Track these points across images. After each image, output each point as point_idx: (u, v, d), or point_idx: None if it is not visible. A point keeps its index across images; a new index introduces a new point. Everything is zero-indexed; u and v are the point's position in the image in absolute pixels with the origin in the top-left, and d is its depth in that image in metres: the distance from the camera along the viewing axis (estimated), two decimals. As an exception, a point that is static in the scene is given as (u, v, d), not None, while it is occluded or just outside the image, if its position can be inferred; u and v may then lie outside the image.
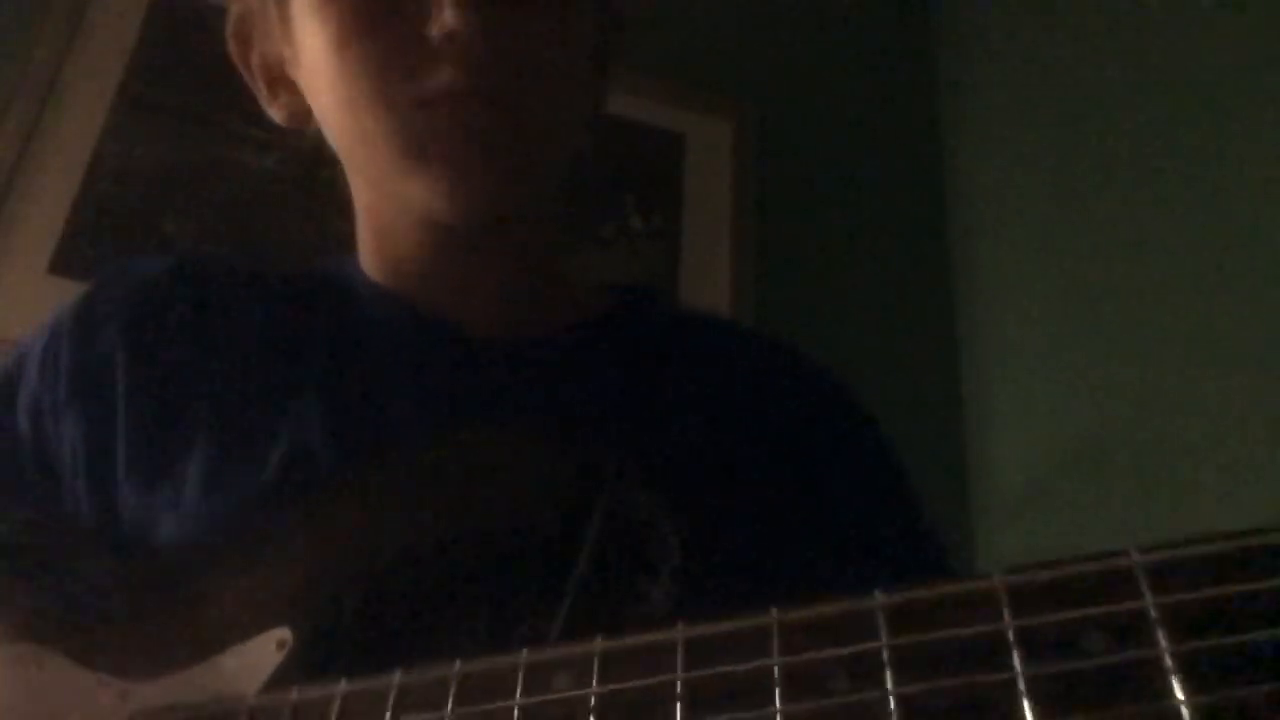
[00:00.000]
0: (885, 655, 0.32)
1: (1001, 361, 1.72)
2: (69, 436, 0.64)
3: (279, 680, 0.46)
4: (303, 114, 0.67)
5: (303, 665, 0.47)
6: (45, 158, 1.43)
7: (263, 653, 0.48)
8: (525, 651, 0.37)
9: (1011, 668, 0.30)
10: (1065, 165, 1.68)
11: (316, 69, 0.62)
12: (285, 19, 0.64)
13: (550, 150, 0.63)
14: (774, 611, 0.34)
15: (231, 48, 0.70)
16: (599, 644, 0.36)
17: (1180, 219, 1.42)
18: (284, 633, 0.48)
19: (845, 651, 0.32)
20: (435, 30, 0.56)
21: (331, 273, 0.72)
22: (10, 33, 1.47)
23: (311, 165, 1.55)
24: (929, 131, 1.99)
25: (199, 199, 1.48)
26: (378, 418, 0.61)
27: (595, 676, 0.35)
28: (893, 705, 0.31)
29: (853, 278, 1.80)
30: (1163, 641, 0.29)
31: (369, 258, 0.70)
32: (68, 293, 1.31)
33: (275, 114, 0.69)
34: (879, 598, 0.33)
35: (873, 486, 0.68)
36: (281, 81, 0.68)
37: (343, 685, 0.41)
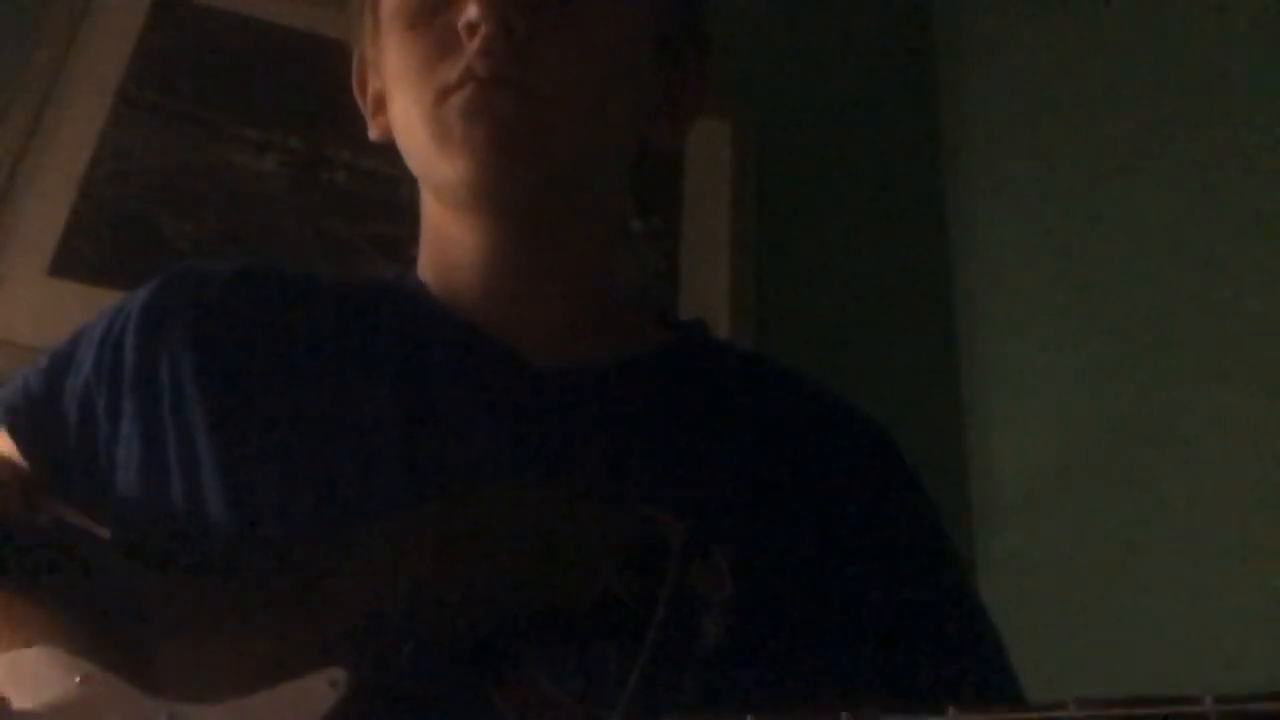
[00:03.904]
0: None
1: (1002, 362, 1.72)
2: (126, 432, 0.64)
3: None
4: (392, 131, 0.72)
5: (354, 707, 0.47)
6: (45, 159, 1.42)
7: (315, 691, 0.47)
8: None
9: None
10: (1065, 166, 1.68)
11: (391, 82, 0.69)
12: (378, 48, 0.71)
13: (574, 145, 0.65)
14: (844, 716, 0.34)
15: (355, 87, 0.77)
16: None
17: (1181, 220, 1.42)
18: (338, 672, 0.47)
19: None
20: (459, 22, 0.62)
21: (391, 285, 0.74)
22: (10, 33, 1.47)
23: (310, 167, 1.55)
24: (929, 132, 1.99)
25: (198, 200, 1.48)
26: (445, 448, 0.61)
27: None
28: None
29: (852, 279, 1.80)
30: None
31: (429, 270, 0.72)
32: (68, 294, 1.34)
33: (372, 133, 0.75)
34: (952, 714, 0.33)
35: (914, 547, 0.68)
36: (382, 107, 0.73)
37: None
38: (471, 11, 0.61)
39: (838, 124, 1.92)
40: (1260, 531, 1.20)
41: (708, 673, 0.54)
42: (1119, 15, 1.63)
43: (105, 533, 0.64)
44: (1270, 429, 1.22)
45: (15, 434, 0.70)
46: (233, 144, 1.52)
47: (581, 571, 0.52)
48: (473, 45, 0.62)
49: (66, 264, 1.38)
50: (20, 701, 0.52)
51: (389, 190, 1.50)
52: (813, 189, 1.84)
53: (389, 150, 0.73)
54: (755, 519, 0.62)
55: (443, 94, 0.63)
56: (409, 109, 0.66)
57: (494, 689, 0.50)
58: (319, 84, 1.52)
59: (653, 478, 0.61)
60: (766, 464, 0.66)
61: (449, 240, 0.70)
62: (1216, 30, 1.44)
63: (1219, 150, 1.38)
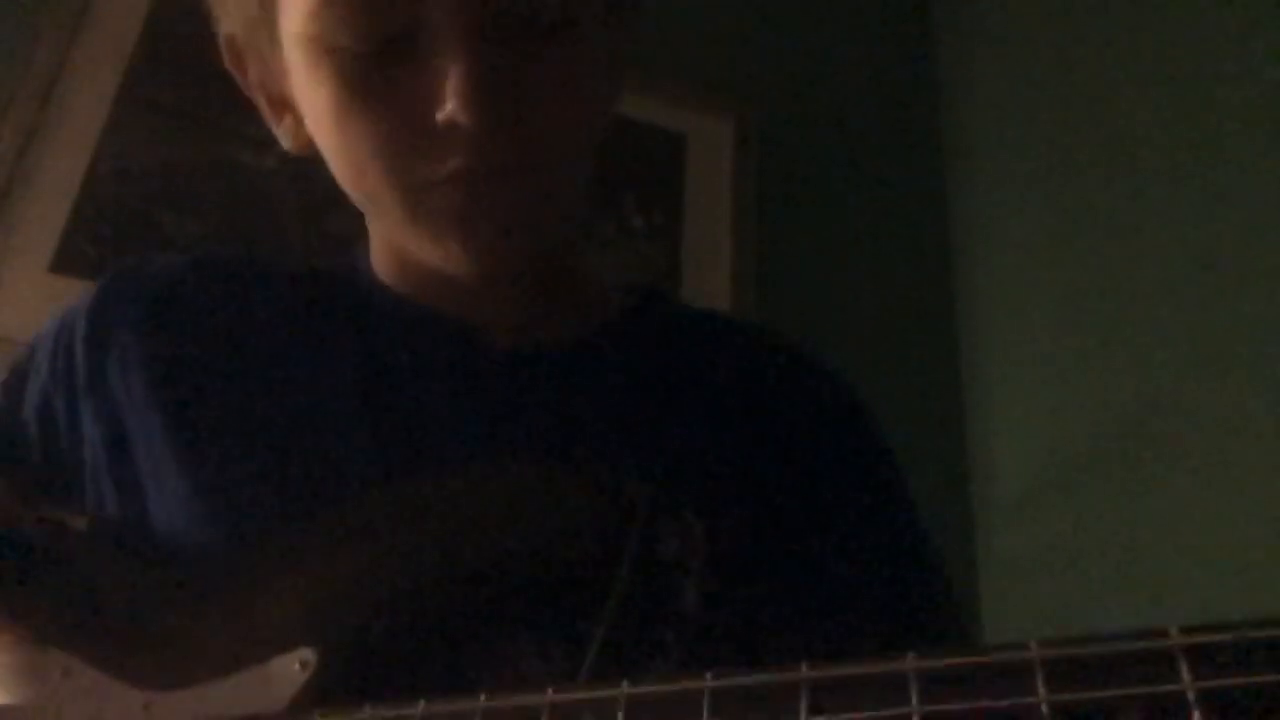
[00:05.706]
0: None
1: (1002, 362, 1.72)
2: (88, 434, 0.64)
3: (301, 701, 0.46)
4: (309, 143, 0.64)
5: (326, 687, 0.47)
6: (46, 157, 1.42)
7: (285, 672, 0.48)
8: (551, 691, 0.37)
9: None
10: (1066, 166, 1.68)
11: (317, 121, 0.59)
12: (275, 42, 0.60)
13: (567, 195, 0.62)
14: (804, 668, 0.33)
15: (229, 65, 0.66)
16: (625, 689, 0.36)
17: (1180, 221, 1.42)
18: (307, 653, 0.48)
19: (875, 715, 0.31)
20: (439, 119, 0.53)
21: (346, 272, 0.72)
22: (11, 33, 1.46)
23: (311, 166, 1.55)
24: (929, 132, 1.99)
25: (199, 198, 1.48)
26: (411, 432, 0.61)
27: None
28: None
29: (853, 278, 1.80)
30: None
31: (383, 263, 0.70)
32: (69, 292, 1.32)
33: (283, 139, 0.66)
34: (911, 660, 0.32)
35: (875, 499, 0.69)
36: (285, 103, 0.64)
37: (367, 711, 0.40)
38: (452, 109, 0.52)
39: (839, 122, 1.92)
40: (1260, 530, 1.20)
41: (688, 637, 0.54)
42: (1120, 13, 1.63)
43: (82, 524, 0.65)
44: (1270, 428, 1.22)
45: None
46: (233, 141, 1.52)
47: (549, 540, 0.52)
48: (456, 141, 0.54)
49: (68, 261, 1.38)
50: (4, 697, 0.54)
51: (390, 188, 1.50)
52: (814, 187, 1.84)
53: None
54: (724, 480, 0.62)
55: (428, 185, 0.56)
56: (371, 184, 0.58)
57: (466, 663, 0.50)
58: (320, 82, 1.52)
59: (619, 448, 0.62)
60: (731, 424, 0.66)
61: (410, 254, 0.65)
62: (1217, 29, 1.44)
63: (1220, 149, 1.38)
